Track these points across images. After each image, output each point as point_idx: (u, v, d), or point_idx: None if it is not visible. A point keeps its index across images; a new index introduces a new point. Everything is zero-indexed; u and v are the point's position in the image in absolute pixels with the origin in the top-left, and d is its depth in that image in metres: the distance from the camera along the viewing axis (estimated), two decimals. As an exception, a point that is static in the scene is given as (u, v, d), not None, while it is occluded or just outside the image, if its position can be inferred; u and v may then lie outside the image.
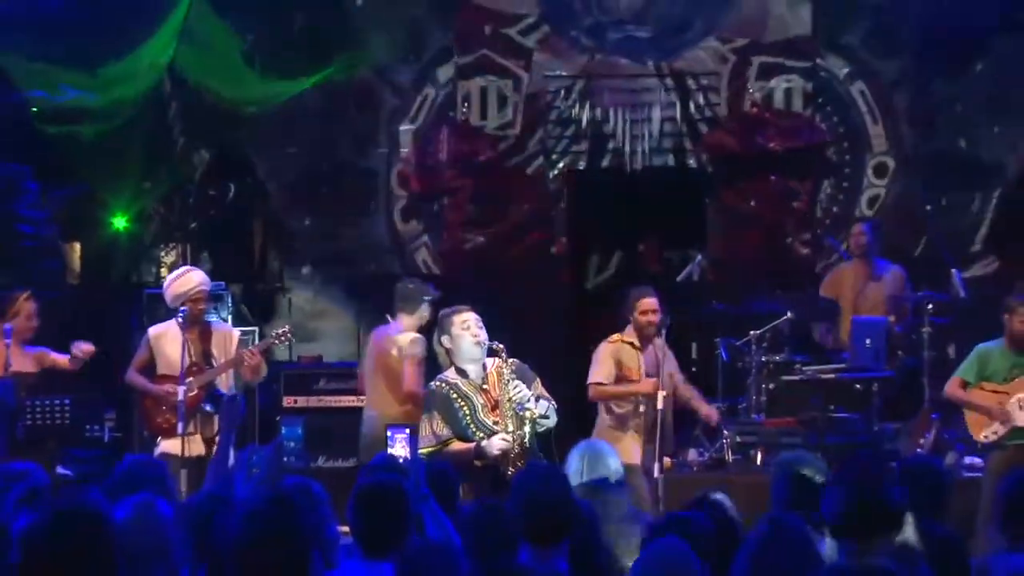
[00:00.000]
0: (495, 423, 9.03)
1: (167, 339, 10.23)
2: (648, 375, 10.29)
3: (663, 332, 10.27)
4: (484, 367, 9.20)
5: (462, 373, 9.15)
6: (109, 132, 14.53)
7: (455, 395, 9.18)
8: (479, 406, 9.10)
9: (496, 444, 8.90)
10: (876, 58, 14.86)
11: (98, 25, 14.09)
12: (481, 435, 9.06)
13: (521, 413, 9.08)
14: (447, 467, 7.46)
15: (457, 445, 9.06)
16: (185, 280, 10.37)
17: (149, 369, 10.27)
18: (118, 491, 6.26)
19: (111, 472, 7.49)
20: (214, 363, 10.19)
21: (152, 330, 10.45)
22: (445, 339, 9.21)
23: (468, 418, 9.07)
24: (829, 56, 14.92)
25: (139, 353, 10.39)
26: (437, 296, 10.75)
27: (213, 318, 11.08)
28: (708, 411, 10.72)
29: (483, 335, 9.20)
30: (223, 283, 13.08)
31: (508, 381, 9.17)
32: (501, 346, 9.08)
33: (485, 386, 9.22)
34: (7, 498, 6.67)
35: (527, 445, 9.26)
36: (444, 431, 9.09)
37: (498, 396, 9.20)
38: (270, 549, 4.56)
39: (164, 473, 6.91)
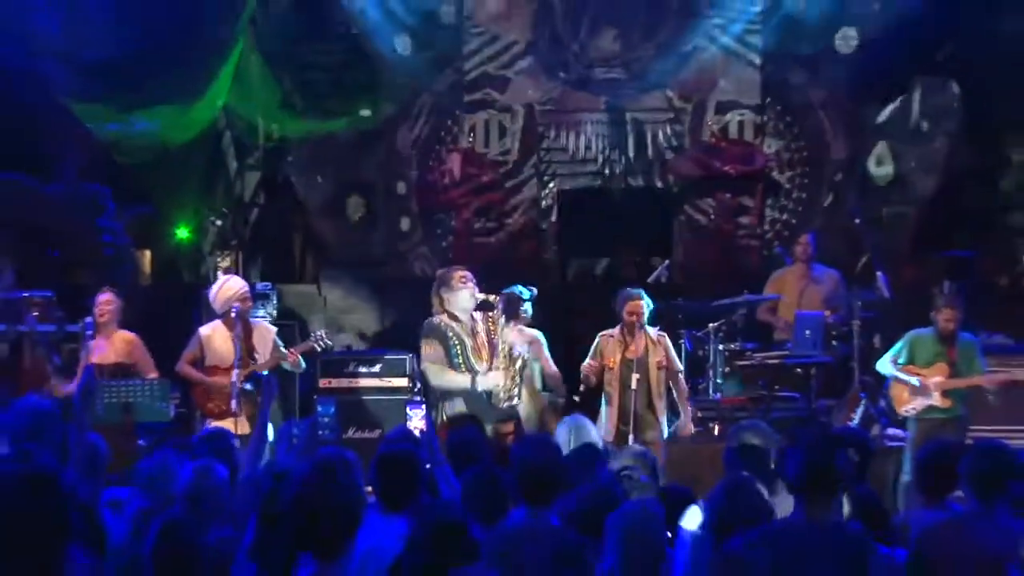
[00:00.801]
0: (483, 363, 9.31)
1: (216, 336, 10.21)
2: (640, 363, 10.12)
3: (645, 327, 10.10)
4: (472, 318, 9.44)
5: (454, 318, 9.37)
6: (173, 159, 14.54)
7: (451, 333, 9.41)
8: (469, 347, 9.35)
9: (492, 377, 9.27)
10: (815, 97, 14.84)
11: (168, 71, 14.14)
12: (465, 371, 9.32)
13: (514, 355, 9.41)
14: (473, 438, 7.46)
15: (451, 375, 9.30)
16: (229, 287, 10.38)
17: (197, 363, 10.25)
18: (196, 455, 6.43)
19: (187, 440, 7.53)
20: (256, 356, 10.15)
21: (202, 329, 10.40)
22: (444, 290, 9.46)
23: (460, 355, 9.33)
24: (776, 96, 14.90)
25: (190, 348, 10.34)
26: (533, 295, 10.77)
27: (260, 313, 11.05)
28: (685, 423, 10.52)
29: (476, 290, 9.54)
30: (269, 284, 13.01)
31: (501, 327, 9.49)
32: (495, 298, 9.51)
33: (477, 331, 9.47)
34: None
35: (518, 380, 9.54)
36: (441, 355, 9.31)
37: (494, 339, 9.47)
38: (328, 501, 4.54)
39: (231, 444, 6.95)
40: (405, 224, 15.38)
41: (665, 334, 10.38)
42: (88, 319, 10.81)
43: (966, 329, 10.47)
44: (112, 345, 10.76)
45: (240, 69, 14.86)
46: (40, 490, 4.12)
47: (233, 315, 10.18)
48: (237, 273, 14.75)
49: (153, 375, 10.71)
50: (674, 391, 10.27)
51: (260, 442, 7.99)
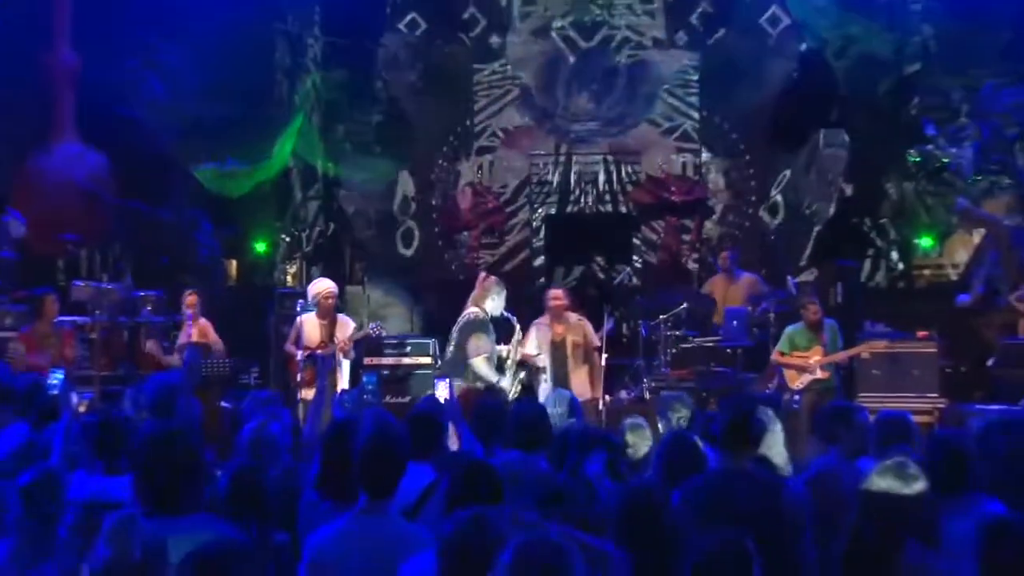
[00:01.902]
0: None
1: (308, 324, 10.17)
2: (562, 342, 10.13)
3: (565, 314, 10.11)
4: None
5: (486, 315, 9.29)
6: (253, 191, 14.61)
7: (491, 330, 9.33)
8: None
9: (506, 381, 9.26)
10: (739, 145, 14.87)
11: (250, 125, 14.21)
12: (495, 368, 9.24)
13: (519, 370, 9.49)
14: (490, 408, 7.13)
15: (489, 371, 9.16)
16: (319, 285, 10.35)
17: (296, 342, 10.20)
18: (250, 413, 6.38)
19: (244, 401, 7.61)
20: (336, 340, 10.08)
21: (300, 317, 10.35)
22: (494, 292, 9.38)
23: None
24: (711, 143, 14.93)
25: (292, 332, 10.30)
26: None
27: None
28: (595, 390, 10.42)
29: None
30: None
31: (516, 344, 9.56)
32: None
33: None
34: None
35: (517, 387, 9.53)
36: (489, 350, 9.16)
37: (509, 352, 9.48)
38: (385, 450, 4.49)
39: (279, 406, 6.85)
40: (430, 240, 15.34)
41: (584, 319, 10.31)
42: (188, 312, 10.91)
43: (855, 320, 10.58)
44: (196, 329, 10.88)
45: (305, 124, 14.95)
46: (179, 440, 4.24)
47: (313, 308, 10.21)
48: (302, 278, 14.91)
49: (221, 349, 10.85)
50: (591, 363, 10.29)
51: (319, 405, 8.02)
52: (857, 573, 4.10)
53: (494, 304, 9.40)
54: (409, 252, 15.40)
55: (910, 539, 4.09)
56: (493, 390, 9.03)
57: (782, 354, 10.45)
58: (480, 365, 9.14)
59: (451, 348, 9.34)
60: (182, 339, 10.91)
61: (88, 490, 5.02)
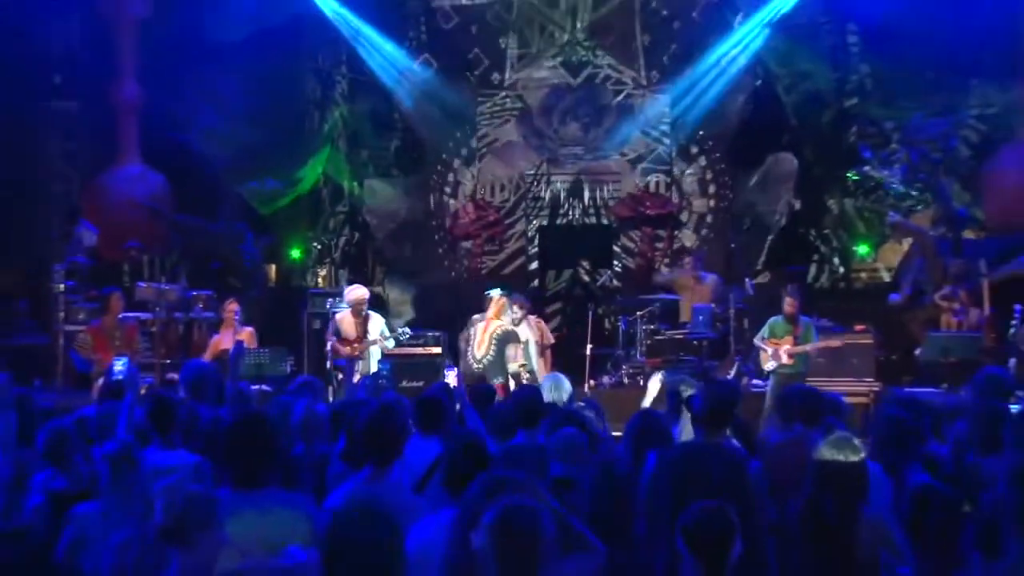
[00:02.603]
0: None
1: (344, 321, 10.22)
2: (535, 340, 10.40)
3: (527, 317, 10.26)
4: None
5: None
6: (287, 206, 14.60)
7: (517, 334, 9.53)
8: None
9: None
10: (704, 166, 14.85)
11: (286, 149, 14.21)
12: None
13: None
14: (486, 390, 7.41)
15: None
16: (356, 292, 10.36)
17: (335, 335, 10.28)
18: (295, 395, 6.40)
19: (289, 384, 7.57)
20: (368, 335, 10.15)
21: (337, 316, 10.40)
22: (515, 306, 9.65)
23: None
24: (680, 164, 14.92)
25: (331, 328, 10.38)
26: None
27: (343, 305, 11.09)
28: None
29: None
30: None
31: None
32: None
33: None
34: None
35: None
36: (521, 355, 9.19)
37: None
38: (389, 427, 4.49)
39: (317, 388, 6.88)
40: (439, 247, 15.26)
41: (541, 320, 10.64)
42: (236, 308, 10.87)
43: (804, 315, 10.58)
44: (244, 335, 10.74)
45: (333, 148, 14.94)
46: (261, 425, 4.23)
47: (348, 309, 10.26)
48: (331, 280, 14.91)
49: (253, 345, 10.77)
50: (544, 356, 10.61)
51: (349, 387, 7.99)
52: (813, 528, 4.10)
53: (508, 319, 9.46)
54: (421, 258, 15.28)
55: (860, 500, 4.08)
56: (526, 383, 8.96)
57: (763, 339, 10.41)
58: (515, 369, 9.13)
59: (491, 355, 9.26)
60: (222, 342, 10.78)
61: (151, 461, 5.00)
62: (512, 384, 9.14)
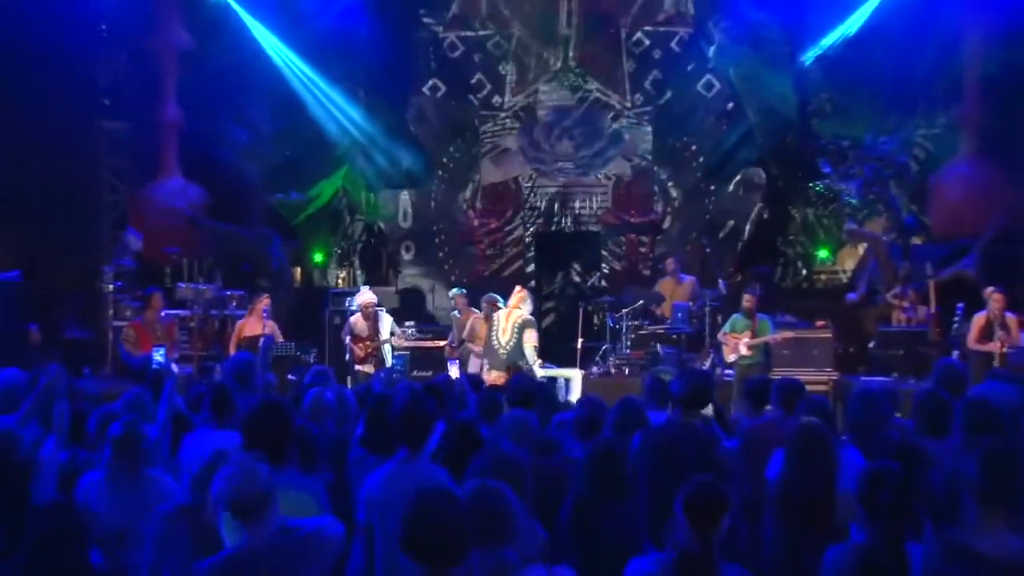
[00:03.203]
0: None
1: (358, 321, 10.28)
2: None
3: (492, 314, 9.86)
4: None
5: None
6: (311, 215, 14.59)
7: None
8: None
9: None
10: (683, 180, 14.84)
11: (311, 166, 14.25)
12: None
13: None
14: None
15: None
16: (366, 296, 10.45)
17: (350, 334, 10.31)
18: (311, 384, 6.35)
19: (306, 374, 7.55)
20: (380, 333, 10.19)
21: (352, 318, 10.45)
22: (526, 301, 9.21)
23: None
24: (659, 180, 14.88)
25: (347, 328, 10.42)
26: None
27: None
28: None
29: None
30: (368, 285, 12.86)
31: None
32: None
33: None
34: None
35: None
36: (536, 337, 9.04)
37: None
38: (421, 414, 4.41)
39: (329, 376, 6.79)
40: (446, 252, 15.24)
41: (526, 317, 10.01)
42: (267, 304, 10.87)
43: (765, 312, 10.63)
44: (261, 322, 10.81)
45: (350, 164, 14.92)
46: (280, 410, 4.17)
47: (360, 311, 10.28)
48: (350, 281, 14.89)
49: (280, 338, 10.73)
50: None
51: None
52: (792, 502, 4.11)
53: (527, 308, 9.24)
54: (430, 261, 15.26)
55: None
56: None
57: (724, 334, 10.47)
58: (530, 351, 8.94)
59: (513, 340, 9.11)
60: (246, 328, 10.77)
61: (209, 440, 4.97)
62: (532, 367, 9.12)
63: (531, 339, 8.97)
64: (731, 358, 10.35)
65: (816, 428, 4.43)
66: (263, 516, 3.21)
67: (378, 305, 10.52)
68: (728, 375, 10.51)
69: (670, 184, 14.81)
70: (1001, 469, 3.23)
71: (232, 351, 10.26)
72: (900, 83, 13.04)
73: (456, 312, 11.11)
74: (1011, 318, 9.69)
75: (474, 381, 7.03)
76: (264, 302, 10.77)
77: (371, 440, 4.85)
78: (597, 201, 14.89)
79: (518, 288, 9.63)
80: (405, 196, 15.20)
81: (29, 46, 11.29)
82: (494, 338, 9.12)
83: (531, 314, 9.27)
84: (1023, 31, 11.91)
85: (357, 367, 10.11)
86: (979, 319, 9.73)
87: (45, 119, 11.77)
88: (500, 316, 9.27)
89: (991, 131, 12.75)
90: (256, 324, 10.58)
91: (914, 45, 12.57)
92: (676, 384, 5.17)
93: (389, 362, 10.25)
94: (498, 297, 9.86)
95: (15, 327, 10.81)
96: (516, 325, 9.08)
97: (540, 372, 9.15)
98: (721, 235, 14.64)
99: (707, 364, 10.97)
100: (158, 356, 9.35)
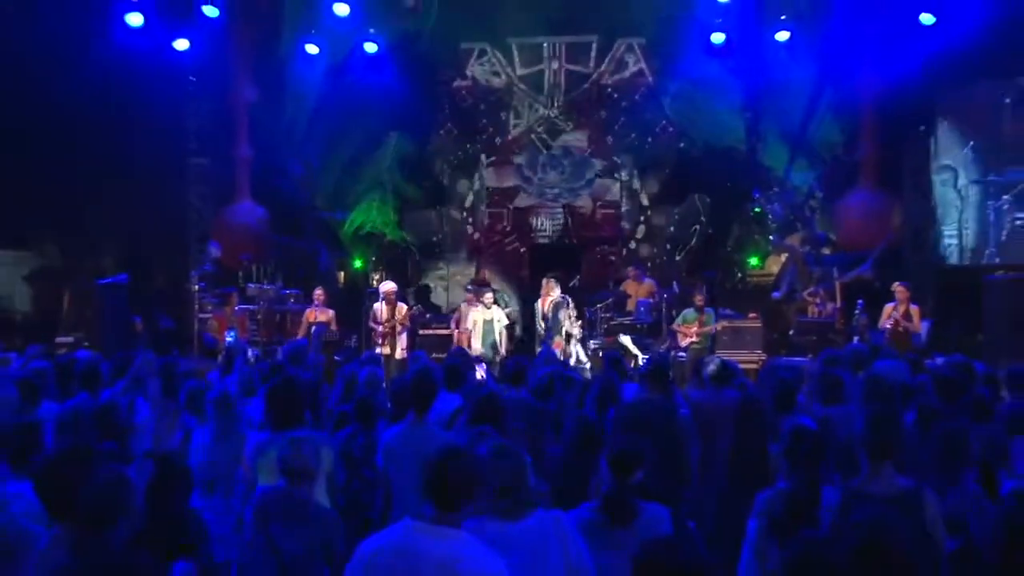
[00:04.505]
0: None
1: (379, 308, 10.18)
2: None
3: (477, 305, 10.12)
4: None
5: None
6: (352, 231, 14.51)
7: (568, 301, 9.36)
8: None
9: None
10: (647, 200, 14.80)
11: (352, 192, 14.35)
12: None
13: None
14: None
15: None
16: (386, 285, 10.44)
17: (374, 319, 10.24)
18: (361, 365, 6.32)
19: (356, 358, 7.55)
20: (397, 318, 10.07)
21: (375, 305, 10.35)
22: (554, 288, 9.48)
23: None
24: (627, 201, 14.85)
25: (372, 314, 10.31)
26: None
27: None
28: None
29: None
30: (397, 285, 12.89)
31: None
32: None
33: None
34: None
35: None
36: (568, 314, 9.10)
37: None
38: (427, 385, 4.36)
39: (379, 360, 6.88)
40: (459, 260, 15.12)
41: (558, 299, 10.09)
42: (316, 302, 10.86)
43: (710, 307, 10.61)
44: (324, 315, 10.80)
45: (382, 190, 14.81)
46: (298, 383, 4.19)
47: (383, 299, 10.21)
48: (382, 282, 14.78)
49: (335, 326, 10.68)
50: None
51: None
52: (736, 458, 4.10)
53: (556, 294, 9.35)
54: (446, 267, 15.18)
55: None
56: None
57: (678, 325, 10.49)
58: (565, 323, 8.98)
59: (550, 320, 9.22)
60: (312, 316, 10.80)
61: None
62: (564, 342, 9.09)
63: (568, 316, 9.09)
64: (685, 343, 10.37)
65: (753, 400, 4.44)
66: (316, 476, 3.41)
67: (398, 296, 10.49)
68: (681, 356, 10.55)
69: (635, 207, 14.77)
70: (883, 429, 3.27)
71: (301, 334, 10.30)
72: (814, 128, 13.16)
73: (464, 304, 11.04)
74: (914, 309, 9.75)
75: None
76: (319, 294, 10.84)
77: (396, 410, 4.88)
78: (577, 220, 14.86)
79: (545, 280, 9.69)
80: (425, 215, 15.11)
81: (135, 97, 11.37)
82: (538, 318, 9.19)
83: (561, 297, 9.31)
84: (905, 85, 11.93)
85: (377, 350, 9.97)
86: (888, 308, 9.86)
87: (146, 155, 11.92)
88: (541, 302, 9.50)
89: (881, 167, 13.00)
90: (318, 312, 10.62)
91: (821, 95, 12.71)
92: (645, 368, 5.16)
93: (400, 341, 10.11)
94: (484, 291, 10.15)
95: (123, 318, 10.93)
96: (551, 307, 9.24)
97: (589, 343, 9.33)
98: (675, 246, 14.62)
99: (664, 347, 10.98)
100: (229, 337, 9.38)
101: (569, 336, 9.10)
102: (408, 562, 2.49)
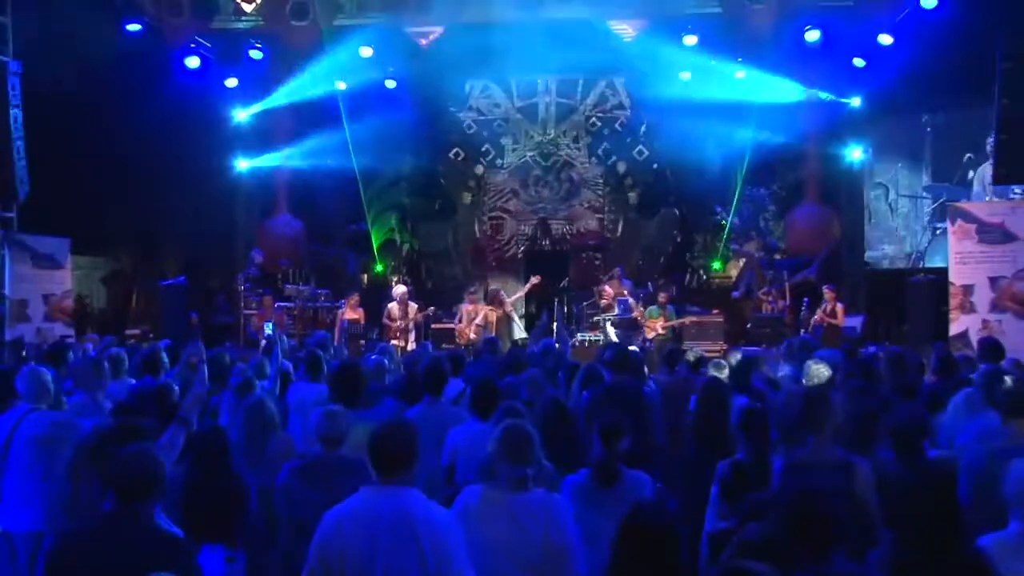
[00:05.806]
0: None
1: (393, 307, 10.20)
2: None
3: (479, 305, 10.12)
4: None
5: None
6: (376, 239, 14.46)
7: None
8: None
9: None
10: (625, 216, 14.75)
11: (375, 205, 14.17)
12: None
13: None
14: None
15: None
16: (398, 289, 10.52)
17: (388, 317, 10.19)
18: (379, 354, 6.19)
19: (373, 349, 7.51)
20: (409, 316, 10.03)
21: (389, 305, 10.35)
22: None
23: None
24: (607, 213, 14.78)
25: (387, 312, 10.27)
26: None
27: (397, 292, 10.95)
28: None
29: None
30: (406, 285, 12.70)
31: None
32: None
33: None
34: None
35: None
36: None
37: None
38: (441, 370, 4.42)
39: (392, 351, 6.72)
40: (465, 267, 15.01)
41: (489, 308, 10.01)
42: (342, 301, 10.82)
43: (679, 305, 10.63)
44: (356, 313, 10.77)
45: (399, 208, 14.74)
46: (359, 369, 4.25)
47: (396, 299, 10.18)
48: (398, 285, 14.72)
49: (362, 322, 10.66)
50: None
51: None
52: (699, 432, 4.10)
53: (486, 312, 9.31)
54: (451, 273, 15.07)
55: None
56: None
57: (645, 319, 10.46)
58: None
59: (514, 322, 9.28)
60: (344, 314, 10.79)
61: (305, 390, 4.96)
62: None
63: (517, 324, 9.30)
64: (651, 335, 10.39)
65: (717, 382, 4.44)
66: (343, 445, 3.40)
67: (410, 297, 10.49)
68: (650, 346, 10.57)
69: (615, 219, 14.76)
70: (814, 406, 3.30)
71: (338, 331, 10.29)
72: (766, 153, 13.17)
73: (466, 304, 10.95)
74: (840, 307, 9.92)
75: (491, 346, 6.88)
76: (355, 299, 10.81)
77: (407, 393, 4.85)
78: (566, 230, 14.83)
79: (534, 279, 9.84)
80: (436, 227, 15.08)
81: (194, 126, 11.64)
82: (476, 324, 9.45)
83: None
84: (844, 116, 12.15)
85: (392, 342, 9.92)
86: (822, 307, 10.04)
87: (201, 178, 12.05)
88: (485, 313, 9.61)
89: (823, 185, 13.21)
90: (350, 312, 10.64)
91: (771, 124, 12.72)
92: (608, 352, 5.15)
93: (414, 339, 10.06)
94: (479, 296, 10.05)
95: (182, 315, 11.05)
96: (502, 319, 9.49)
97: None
98: (650, 253, 14.58)
99: (640, 339, 10.98)
100: (268, 329, 9.38)
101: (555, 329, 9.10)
102: (368, 523, 2.51)
